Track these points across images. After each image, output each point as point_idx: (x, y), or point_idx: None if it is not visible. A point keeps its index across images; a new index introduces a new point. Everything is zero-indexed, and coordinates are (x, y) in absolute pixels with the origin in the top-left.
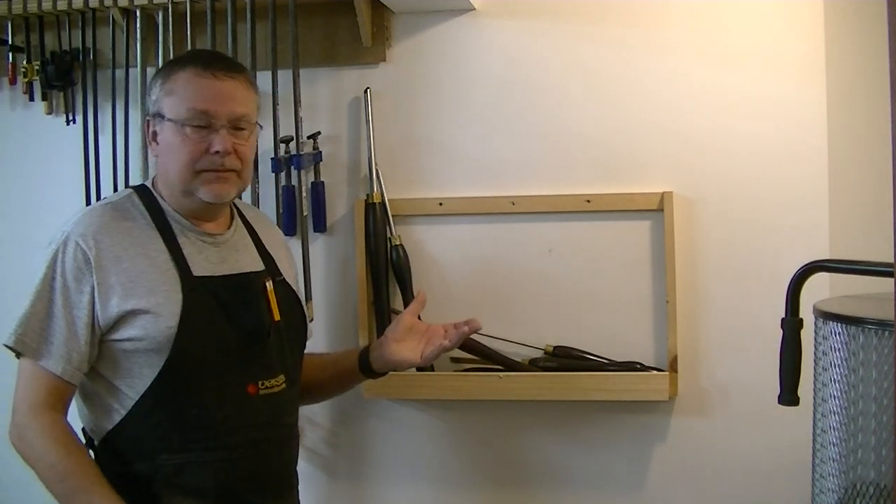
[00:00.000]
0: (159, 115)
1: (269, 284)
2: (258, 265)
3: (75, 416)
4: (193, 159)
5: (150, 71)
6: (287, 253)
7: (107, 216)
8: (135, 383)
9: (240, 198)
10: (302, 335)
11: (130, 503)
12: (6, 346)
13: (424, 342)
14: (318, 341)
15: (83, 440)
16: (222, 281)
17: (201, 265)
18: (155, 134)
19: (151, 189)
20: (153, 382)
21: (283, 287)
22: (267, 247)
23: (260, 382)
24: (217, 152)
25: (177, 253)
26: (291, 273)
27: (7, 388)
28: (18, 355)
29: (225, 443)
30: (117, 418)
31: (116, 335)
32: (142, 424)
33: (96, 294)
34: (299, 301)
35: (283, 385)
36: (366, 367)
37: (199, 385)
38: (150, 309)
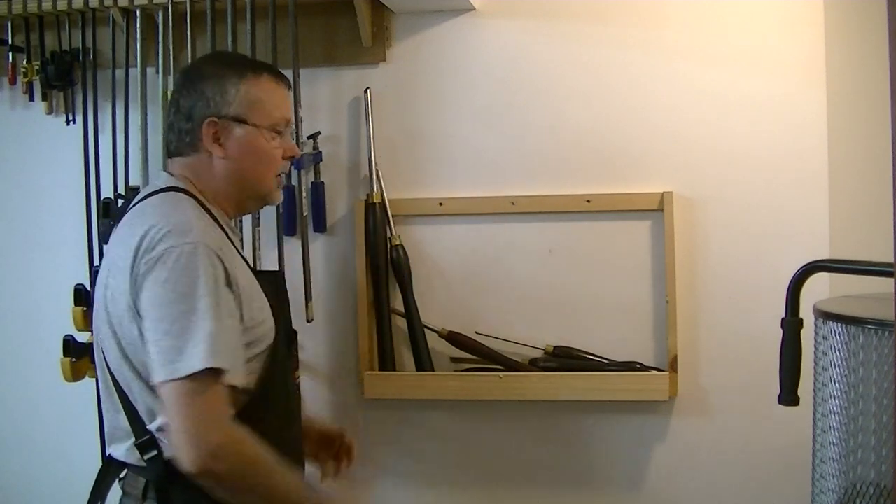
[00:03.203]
0: (238, 120)
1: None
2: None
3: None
4: (279, 165)
5: (150, 71)
6: None
7: (202, 220)
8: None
9: None
10: None
11: None
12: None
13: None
14: (318, 341)
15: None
16: (267, 277)
17: (248, 264)
18: (217, 136)
19: (186, 189)
20: (261, 385)
21: None
22: None
23: (295, 373)
24: (292, 157)
25: (241, 253)
26: None
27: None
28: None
29: (299, 432)
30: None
31: None
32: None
33: (242, 304)
34: None
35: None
36: None
37: (283, 381)
38: (266, 312)
